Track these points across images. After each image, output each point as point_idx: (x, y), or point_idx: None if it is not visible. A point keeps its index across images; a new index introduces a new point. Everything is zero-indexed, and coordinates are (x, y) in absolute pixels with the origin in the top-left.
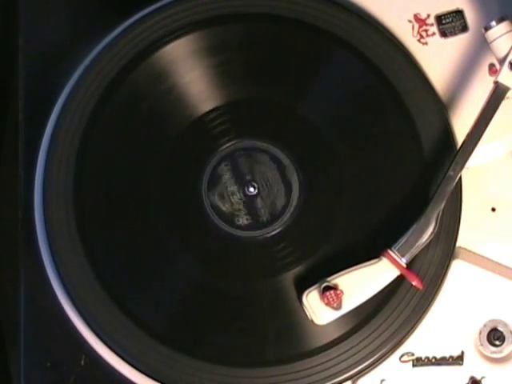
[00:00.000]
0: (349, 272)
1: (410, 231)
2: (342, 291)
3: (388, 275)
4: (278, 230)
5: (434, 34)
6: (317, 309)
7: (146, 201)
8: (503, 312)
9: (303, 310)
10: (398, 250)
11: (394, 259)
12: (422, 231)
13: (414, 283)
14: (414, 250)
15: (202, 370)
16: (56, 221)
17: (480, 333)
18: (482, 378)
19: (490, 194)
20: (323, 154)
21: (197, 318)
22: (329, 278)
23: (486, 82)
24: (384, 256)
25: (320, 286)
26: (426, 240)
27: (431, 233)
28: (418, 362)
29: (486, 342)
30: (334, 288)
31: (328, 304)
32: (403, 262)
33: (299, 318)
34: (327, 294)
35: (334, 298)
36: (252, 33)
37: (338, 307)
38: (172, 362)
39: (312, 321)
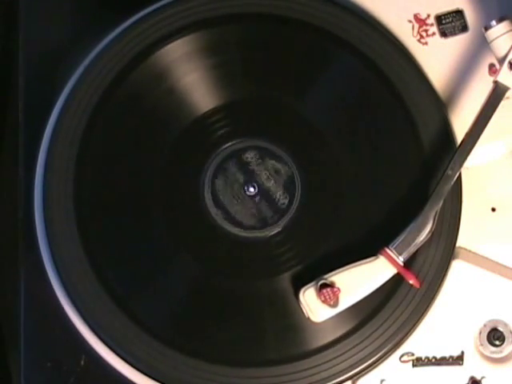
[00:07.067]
0: (346, 269)
1: (408, 230)
2: (338, 289)
3: (385, 273)
4: (278, 230)
5: (433, 34)
6: (313, 306)
7: (146, 201)
8: (503, 312)
9: (300, 308)
10: (395, 249)
11: (392, 257)
12: (420, 230)
13: (411, 282)
14: (412, 249)
15: (202, 370)
16: (56, 221)
17: (480, 333)
18: (482, 377)
19: (490, 194)
20: (323, 154)
21: (197, 317)
22: (326, 276)
23: (485, 82)
24: (381, 254)
25: (317, 283)
26: (424, 239)
27: (429, 231)
28: (418, 361)
29: (486, 342)
30: (331, 285)
31: (325, 301)
32: (400, 260)
33: (299, 317)
34: (324, 291)
35: (331, 295)
36: (251, 33)
37: (335, 305)
38: (172, 361)
39: (308, 318)
